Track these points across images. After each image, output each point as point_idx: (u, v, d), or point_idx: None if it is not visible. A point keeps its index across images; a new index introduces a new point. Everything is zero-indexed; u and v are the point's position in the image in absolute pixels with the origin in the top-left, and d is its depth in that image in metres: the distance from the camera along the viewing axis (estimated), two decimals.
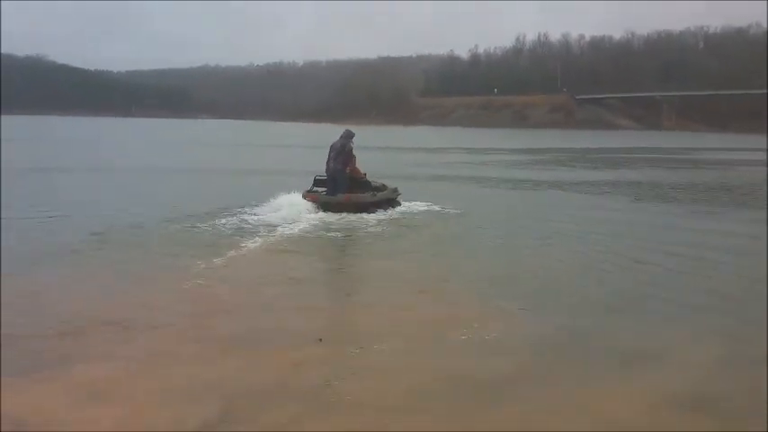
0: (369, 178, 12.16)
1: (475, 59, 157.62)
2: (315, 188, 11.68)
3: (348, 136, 12.04)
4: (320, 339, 5.11)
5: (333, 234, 9.80)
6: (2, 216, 10.09)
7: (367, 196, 11.52)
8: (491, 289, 6.78)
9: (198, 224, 9.93)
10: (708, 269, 7.83)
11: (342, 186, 11.52)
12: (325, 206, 11.11)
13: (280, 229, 9.79)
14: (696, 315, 5.99)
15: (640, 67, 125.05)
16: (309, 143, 35.55)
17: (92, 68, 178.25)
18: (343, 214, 10.86)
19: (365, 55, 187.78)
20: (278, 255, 8.34)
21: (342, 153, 11.74)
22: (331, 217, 10.72)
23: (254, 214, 10.74)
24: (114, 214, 10.88)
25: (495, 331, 5.31)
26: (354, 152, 12.06)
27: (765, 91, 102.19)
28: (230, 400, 3.97)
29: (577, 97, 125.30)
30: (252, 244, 8.73)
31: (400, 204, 12.19)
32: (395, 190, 12.37)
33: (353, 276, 7.86)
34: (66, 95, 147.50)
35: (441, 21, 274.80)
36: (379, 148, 35.36)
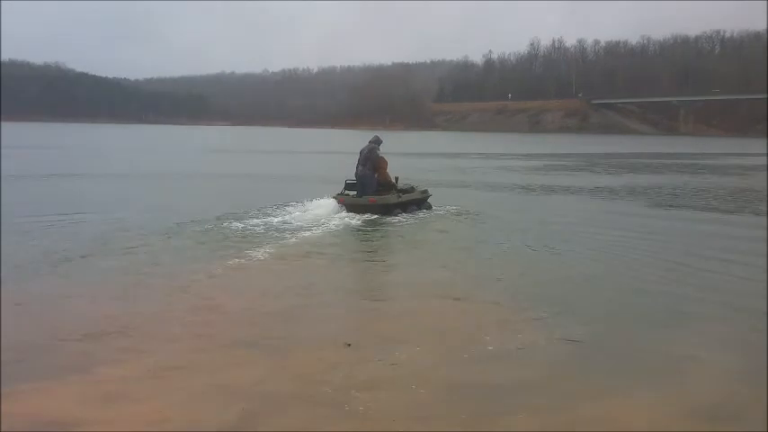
0: (404, 181, 12.81)
1: (489, 65, 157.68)
2: (346, 191, 12.33)
3: (376, 141, 12.69)
4: (348, 344, 5.10)
5: (358, 236, 10.25)
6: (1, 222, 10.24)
7: (391, 198, 12.06)
8: (518, 296, 6.71)
9: (233, 224, 10.46)
10: (730, 274, 7.70)
11: (369, 189, 12.14)
12: (351, 208, 11.79)
13: (308, 230, 10.20)
14: (722, 323, 5.88)
15: (656, 72, 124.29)
16: (326, 149, 35.60)
17: (109, 76, 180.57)
18: (370, 215, 11.53)
19: (379, 61, 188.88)
20: (303, 258, 8.39)
21: (370, 158, 12.37)
22: (358, 218, 11.33)
23: (287, 215, 11.38)
24: (137, 217, 11.01)
25: (519, 340, 5.24)
26: (386, 157, 12.64)
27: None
28: (248, 404, 3.96)
29: (593, 102, 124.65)
30: (278, 247, 8.89)
31: (431, 207, 12.78)
32: (424, 191, 12.93)
33: (377, 280, 7.81)
34: (83, 103, 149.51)
35: (455, 26, 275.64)
36: (398, 154, 35.31)
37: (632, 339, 5.41)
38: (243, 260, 8.02)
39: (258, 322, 5.71)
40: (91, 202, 13.42)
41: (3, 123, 76.46)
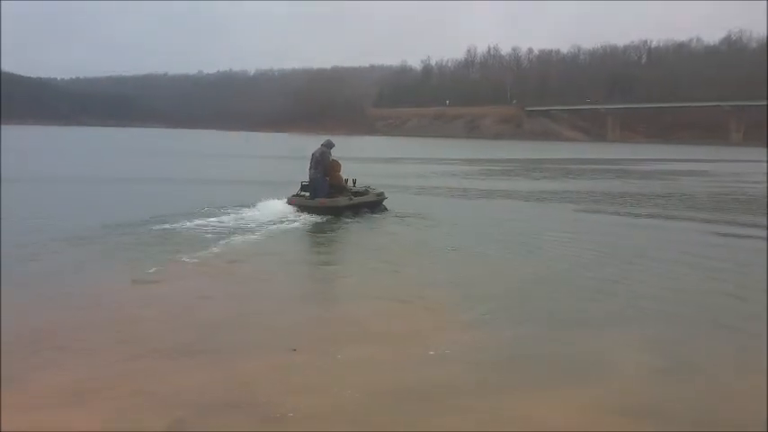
0: (363, 183, 13.34)
1: (427, 70, 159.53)
2: (301, 192, 12.69)
3: (328, 145, 12.90)
4: (294, 349, 5.10)
5: (305, 240, 10.55)
6: None
7: (341, 200, 12.43)
8: (459, 297, 6.87)
9: (182, 224, 10.66)
10: (661, 274, 8.09)
11: (321, 192, 12.42)
12: (302, 209, 12.22)
13: (256, 232, 10.33)
14: (645, 322, 6.17)
15: (586, 81, 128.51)
16: (264, 153, 35.12)
17: (34, 76, 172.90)
18: (323, 218, 11.91)
19: (318, 65, 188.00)
20: (247, 261, 8.38)
21: (321, 162, 12.62)
22: (308, 221, 11.66)
23: (238, 216, 11.73)
24: (66, 222, 10.60)
25: (457, 342, 5.35)
26: (339, 161, 13.01)
27: (702, 104, 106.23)
28: (179, 412, 3.93)
29: (527, 109, 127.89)
30: (222, 247, 8.97)
31: (385, 209, 13.22)
32: (380, 194, 13.34)
33: (323, 284, 7.84)
34: (8, 104, 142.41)
35: (393, 32, 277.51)
36: (344, 159, 35.25)
37: (562, 339, 5.60)
38: (181, 264, 7.88)
39: (197, 329, 5.61)
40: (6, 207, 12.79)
41: None
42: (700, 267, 8.64)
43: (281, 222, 11.34)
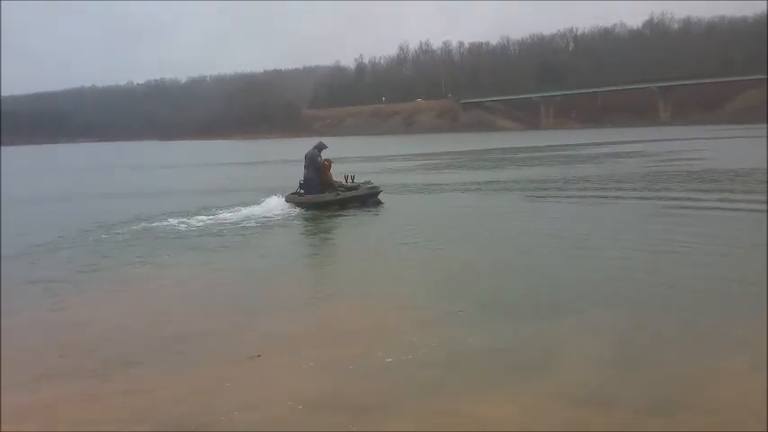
0: (357, 180, 14.53)
1: (361, 69, 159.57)
2: (299, 190, 14.23)
3: (318, 147, 14.40)
4: (258, 355, 5.08)
5: (287, 233, 11.80)
6: None
7: (327, 196, 13.83)
8: (420, 294, 6.90)
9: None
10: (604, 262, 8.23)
11: (313, 190, 13.98)
12: (296, 205, 13.82)
13: (221, 235, 11.20)
14: (594, 312, 6.23)
15: (517, 71, 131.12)
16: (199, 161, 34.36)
17: None
18: (314, 212, 13.39)
19: (251, 69, 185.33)
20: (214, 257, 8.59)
21: (312, 162, 14.12)
22: (293, 213, 13.43)
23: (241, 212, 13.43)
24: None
25: (415, 343, 5.30)
26: (330, 160, 14.44)
27: (631, 87, 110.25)
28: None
29: (461, 102, 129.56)
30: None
31: (380, 202, 14.35)
32: (373, 188, 14.46)
33: (294, 286, 7.83)
34: None
35: (324, 33, 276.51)
36: (279, 162, 34.81)
37: (519, 330, 5.61)
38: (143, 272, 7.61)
39: (151, 338, 5.56)
40: None
41: None
42: (653, 251, 8.81)
43: (267, 218, 12.84)
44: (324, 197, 13.79)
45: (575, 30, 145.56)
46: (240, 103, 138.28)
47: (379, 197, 14.48)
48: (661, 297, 6.48)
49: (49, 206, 17.84)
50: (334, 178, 14.35)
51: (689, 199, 13.69)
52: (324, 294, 7.21)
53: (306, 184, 14.11)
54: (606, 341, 5.26)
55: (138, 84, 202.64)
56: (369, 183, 14.72)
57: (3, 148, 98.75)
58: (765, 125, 58.81)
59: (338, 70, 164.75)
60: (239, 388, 4.50)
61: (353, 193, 14.07)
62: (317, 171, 14.05)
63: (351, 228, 12.08)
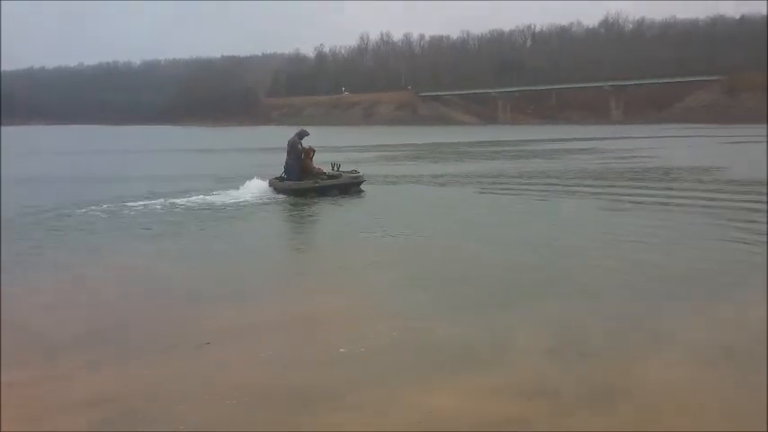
0: (341, 168, 14.88)
1: (321, 58, 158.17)
2: (282, 175, 14.58)
3: (300, 134, 14.82)
4: (207, 343, 5.02)
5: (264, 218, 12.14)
6: None
7: (305, 183, 14.14)
8: (382, 284, 6.94)
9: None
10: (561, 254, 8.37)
11: (293, 176, 14.37)
12: (277, 190, 14.21)
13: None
14: (544, 304, 6.34)
15: (476, 65, 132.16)
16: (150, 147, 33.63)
17: None
18: (288, 198, 13.82)
19: (208, 54, 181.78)
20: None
21: (293, 149, 14.50)
22: (272, 197, 13.94)
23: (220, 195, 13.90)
24: None
25: (369, 336, 5.28)
26: (312, 148, 14.88)
27: (585, 85, 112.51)
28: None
29: (421, 95, 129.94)
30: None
31: (362, 191, 14.62)
32: (356, 177, 14.73)
33: (257, 273, 7.83)
34: None
35: (285, 19, 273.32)
36: (234, 150, 34.29)
37: (477, 321, 5.66)
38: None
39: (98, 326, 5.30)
40: None
41: None
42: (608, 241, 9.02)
43: (245, 201, 13.37)
44: (302, 184, 14.09)
45: (533, 27, 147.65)
46: (196, 89, 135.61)
47: (361, 186, 14.74)
48: (613, 288, 6.66)
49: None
50: (323, 168, 14.74)
51: (638, 194, 14.07)
52: (292, 284, 7.22)
53: (287, 170, 14.53)
54: (552, 332, 5.36)
55: (88, 65, 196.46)
56: (355, 172, 14.98)
57: None
58: (720, 125, 60.89)
59: (298, 58, 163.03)
60: (184, 378, 4.42)
61: (333, 181, 14.34)
62: (297, 158, 14.42)
63: (326, 215, 12.40)
